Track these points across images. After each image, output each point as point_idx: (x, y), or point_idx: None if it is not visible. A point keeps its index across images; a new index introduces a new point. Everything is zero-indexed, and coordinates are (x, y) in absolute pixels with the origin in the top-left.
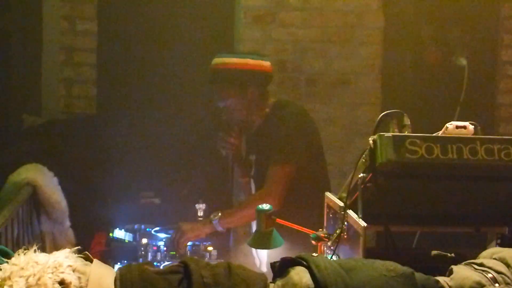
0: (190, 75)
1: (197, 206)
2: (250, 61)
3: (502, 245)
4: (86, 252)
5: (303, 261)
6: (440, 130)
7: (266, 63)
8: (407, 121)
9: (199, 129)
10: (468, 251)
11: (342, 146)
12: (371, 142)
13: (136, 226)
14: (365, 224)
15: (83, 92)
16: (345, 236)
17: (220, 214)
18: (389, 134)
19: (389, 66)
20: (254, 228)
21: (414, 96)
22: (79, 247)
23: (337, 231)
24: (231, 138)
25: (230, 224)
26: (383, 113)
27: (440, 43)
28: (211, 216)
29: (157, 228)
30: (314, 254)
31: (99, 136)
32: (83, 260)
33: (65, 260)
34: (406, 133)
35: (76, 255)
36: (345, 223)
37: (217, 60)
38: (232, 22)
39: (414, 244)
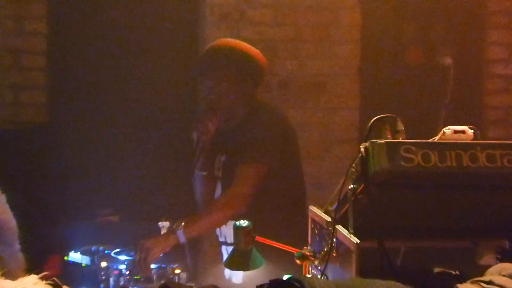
0: (153, 79)
1: (160, 224)
2: (253, 50)
3: (502, 260)
4: (55, 279)
5: (296, 283)
6: (428, 135)
7: (263, 57)
8: (400, 126)
9: (163, 139)
10: (471, 268)
11: (318, 154)
12: (362, 149)
13: (93, 248)
14: (358, 241)
15: (32, 99)
16: (334, 254)
17: (183, 223)
18: (382, 141)
19: (368, 67)
20: (224, 247)
21: (395, 99)
22: (34, 272)
23: (325, 249)
24: (210, 122)
25: (196, 232)
26: (375, 118)
27: (422, 41)
28: (174, 226)
29: (117, 250)
30: (308, 275)
31: (50, 148)
32: (52, 287)
33: (34, 287)
34: (400, 139)
35: (44, 281)
36: (334, 239)
37: (220, 41)
38: (196, 20)
39: (399, 260)
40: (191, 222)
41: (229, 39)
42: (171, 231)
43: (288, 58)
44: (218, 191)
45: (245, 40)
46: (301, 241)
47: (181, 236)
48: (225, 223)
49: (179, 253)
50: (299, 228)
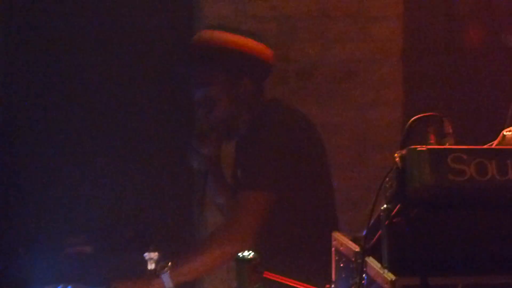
0: (136, 70)
1: (146, 255)
2: (251, 43)
3: None
4: None
5: None
6: (484, 139)
7: (269, 51)
8: (448, 128)
9: (150, 145)
10: None
11: (349, 163)
12: (398, 159)
13: (59, 287)
14: (393, 277)
15: None
16: None
17: (170, 264)
18: (424, 148)
19: (413, 51)
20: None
21: (447, 92)
22: None
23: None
24: (205, 148)
25: (187, 276)
26: (414, 118)
27: (482, 17)
28: (158, 268)
29: None
30: None
31: (4, 157)
32: None
33: None
34: (448, 146)
35: None
36: (364, 275)
37: (204, 34)
38: None
39: None
40: (181, 263)
41: (215, 32)
42: (154, 274)
43: (310, 40)
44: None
45: (253, 17)
46: (322, 277)
47: (167, 281)
48: (224, 264)
49: None
50: (321, 260)
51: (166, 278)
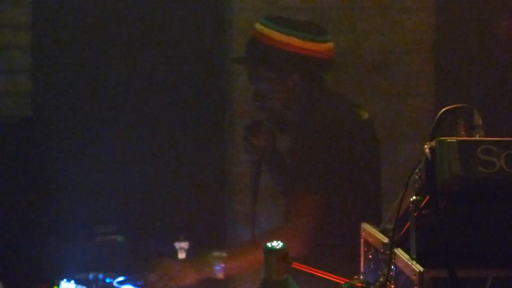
0: (167, 71)
1: (176, 245)
2: (295, 41)
3: None
4: None
5: None
6: None
7: (322, 46)
8: (478, 120)
9: (177, 138)
10: None
11: (381, 155)
12: (427, 150)
13: (91, 276)
14: (421, 268)
15: (13, 86)
16: (392, 286)
17: (225, 255)
18: (454, 139)
19: (445, 42)
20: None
21: (481, 84)
22: None
23: (381, 279)
24: (257, 138)
25: (238, 270)
26: (444, 109)
27: None
28: (211, 259)
29: (120, 278)
30: None
31: (36, 148)
32: None
33: None
34: (477, 137)
35: None
36: (392, 267)
37: (257, 28)
38: None
39: None
40: (235, 256)
41: (264, 28)
42: (205, 263)
43: (342, 31)
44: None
45: (284, 8)
46: (351, 268)
47: (219, 272)
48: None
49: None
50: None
51: (218, 269)
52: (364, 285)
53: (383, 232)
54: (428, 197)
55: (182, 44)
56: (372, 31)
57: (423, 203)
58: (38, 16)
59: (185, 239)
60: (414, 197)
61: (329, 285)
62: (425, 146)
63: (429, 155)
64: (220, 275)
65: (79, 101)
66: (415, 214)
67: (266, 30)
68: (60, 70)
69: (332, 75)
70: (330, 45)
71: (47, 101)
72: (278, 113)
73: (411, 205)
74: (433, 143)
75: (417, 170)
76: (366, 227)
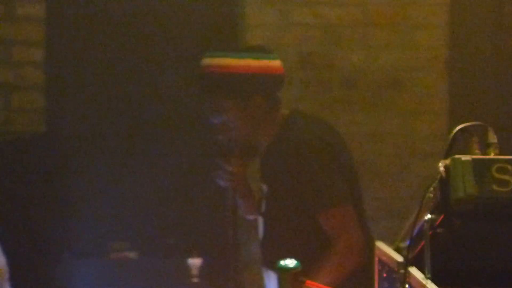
0: (179, 78)
1: (190, 261)
2: (252, 63)
3: None
4: None
5: None
6: None
7: (275, 63)
8: (493, 138)
9: (191, 152)
10: None
11: (393, 172)
12: (442, 168)
13: None
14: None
15: (27, 102)
16: None
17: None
18: (468, 158)
19: (459, 59)
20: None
21: (495, 101)
22: None
23: None
24: (230, 166)
25: None
26: (458, 127)
27: None
28: None
29: None
30: None
31: (50, 164)
32: None
33: None
34: (492, 155)
35: None
36: (407, 286)
37: (207, 61)
38: (237, 1)
39: None
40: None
41: (216, 59)
42: None
43: (354, 47)
44: (260, 230)
45: (298, 25)
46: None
47: None
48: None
49: None
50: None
51: None
52: None
53: (397, 250)
54: (442, 215)
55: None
56: (386, 47)
57: (437, 222)
58: (51, 32)
59: (198, 256)
60: (429, 216)
61: None
62: (440, 164)
63: (443, 174)
64: None
65: (93, 117)
66: (430, 232)
67: (220, 60)
68: (73, 86)
69: (345, 92)
70: (279, 62)
71: (61, 117)
72: (247, 140)
73: (425, 223)
74: (447, 161)
75: (431, 189)
76: (380, 245)
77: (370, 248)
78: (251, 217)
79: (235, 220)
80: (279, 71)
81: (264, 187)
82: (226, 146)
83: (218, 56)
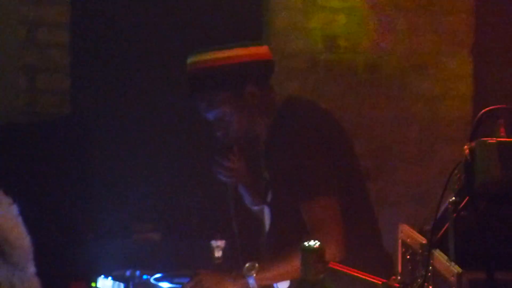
0: None
1: (213, 243)
2: (240, 52)
3: None
4: None
5: None
6: None
7: (263, 49)
8: None
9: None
10: None
11: (418, 157)
12: (467, 151)
13: (128, 273)
14: (460, 270)
15: (52, 84)
16: (430, 287)
17: (257, 265)
18: (494, 140)
19: (484, 43)
20: None
21: None
22: None
23: (418, 280)
24: (229, 162)
25: (271, 280)
26: (484, 110)
27: None
28: (244, 270)
29: (157, 275)
30: None
31: (75, 145)
32: None
33: None
34: None
35: None
36: (430, 267)
37: (192, 60)
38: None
39: None
40: (268, 266)
41: (201, 55)
42: (240, 274)
43: (379, 32)
44: (266, 219)
45: (323, 8)
46: (388, 269)
47: (252, 283)
48: None
49: None
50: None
51: (251, 280)
52: (401, 285)
53: (421, 233)
54: (467, 198)
55: (223, 39)
56: (410, 32)
57: (462, 204)
58: (77, 14)
59: (221, 238)
60: (453, 198)
61: (365, 286)
62: (465, 147)
63: (468, 156)
64: (254, 286)
65: (117, 99)
66: (454, 215)
67: (207, 55)
68: (98, 68)
69: (370, 76)
70: (267, 47)
71: (86, 98)
72: (245, 132)
73: (450, 206)
74: (472, 144)
75: (456, 171)
76: (404, 227)
77: (377, 237)
78: (256, 207)
79: (237, 220)
80: (268, 57)
81: (267, 176)
82: (224, 143)
83: (203, 52)
